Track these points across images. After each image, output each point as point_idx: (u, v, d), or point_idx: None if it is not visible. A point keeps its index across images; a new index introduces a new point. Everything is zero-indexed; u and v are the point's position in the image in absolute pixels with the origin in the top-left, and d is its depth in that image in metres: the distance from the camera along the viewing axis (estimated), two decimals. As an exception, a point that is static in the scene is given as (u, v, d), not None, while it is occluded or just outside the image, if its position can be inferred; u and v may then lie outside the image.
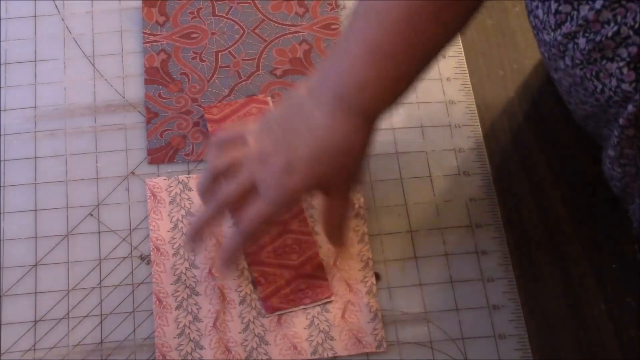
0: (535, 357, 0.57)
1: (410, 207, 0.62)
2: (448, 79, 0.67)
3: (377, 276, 0.59)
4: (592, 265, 0.61)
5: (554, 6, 0.48)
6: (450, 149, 0.64)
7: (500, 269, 0.60)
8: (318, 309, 0.58)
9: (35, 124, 0.63)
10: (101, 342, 0.57)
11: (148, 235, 0.60)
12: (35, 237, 0.60)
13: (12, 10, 0.67)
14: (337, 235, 0.57)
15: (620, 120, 0.48)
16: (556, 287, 0.60)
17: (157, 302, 0.57)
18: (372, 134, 0.52)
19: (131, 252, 0.59)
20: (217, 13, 0.68)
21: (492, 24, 0.69)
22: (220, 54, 0.66)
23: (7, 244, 0.59)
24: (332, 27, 0.68)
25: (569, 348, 0.58)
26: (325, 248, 0.60)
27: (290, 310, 0.58)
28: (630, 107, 0.47)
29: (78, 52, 0.66)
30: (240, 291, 0.58)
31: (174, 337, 0.57)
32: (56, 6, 0.68)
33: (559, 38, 0.49)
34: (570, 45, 0.48)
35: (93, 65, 0.66)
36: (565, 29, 0.48)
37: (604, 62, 0.47)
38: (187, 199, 0.61)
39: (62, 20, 0.67)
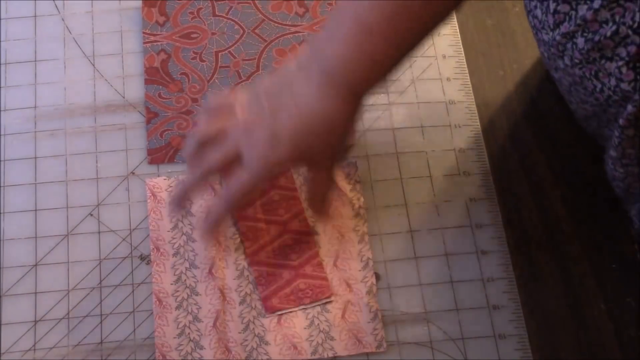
0: (535, 357, 0.57)
1: (410, 207, 0.62)
2: (448, 79, 0.67)
3: (377, 276, 0.59)
4: (592, 265, 0.61)
5: (552, 6, 0.48)
6: (450, 149, 0.64)
7: (500, 269, 0.60)
8: (318, 309, 0.58)
9: (35, 124, 0.63)
10: (101, 342, 0.57)
11: (148, 235, 0.60)
12: (35, 237, 0.60)
13: (12, 10, 0.67)
14: (319, 207, 0.58)
15: (620, 121, 0.48)
16: (556, 287, 0.60)
17: (157, 302, 0.57)
18: (357, 110, 0.53)
19: (131, 252, 0.59)
20: (217, 13, 0.68)
21: (492, 24, 0.69)
22: (220, 54, 0.66)
23: (7, 244, 0.59)
24: (332, 27, 0.68)
25: (569, 348, 0.58)
26: (325, 248, 0.60)
27: (290, 310, 0.58)
28: (629, 108, 0.47)
29: (78, 52, 0.66)
30: (240, 291, 0.58)
31: (174, 337, 0.57)
32: (56, 6, 0.68)
33: (558, 38, 0.49)
34: (569, 45, 0.48)
35: (93, 65, 0.66)
36: (563, 28, 0.48)
37: (603, 61, 0.47)
38: (187, 199, 0.60)
39: (62, 20, 0.67)
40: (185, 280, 0.58)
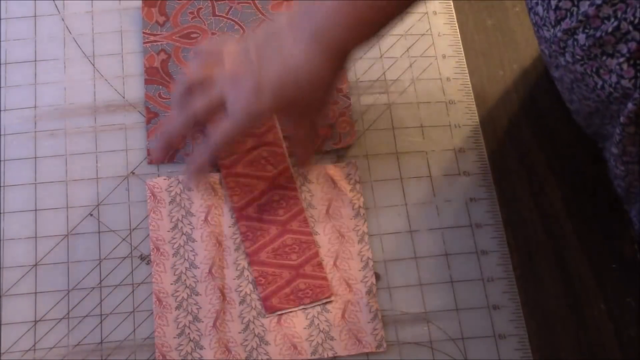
0: (535, 357, 0.57)
1: (410, 207, 0.62)
2: (448, 79, 0.67)
3: (377, 276, 0.59)
4: (592, 265, 0.61)
5: (554, 2, 0.48)
6: (450, 149, 0.64)
7: (500, 269, 0.60)
8: (318, 309, 0.58)
9: (35, 124, 0.63)
10: (101, 342, 0.57)
11: (148, 235, 0.60)
12: (35, 237, 0.60)
13: (12, 10, 0.67)
14: (302, 156, 0.61)
15: (621, 118, 0.48)
16: (556, 287, 0.60)
17: (157, 302, 0.57)
18: (340, 69, 0.55)
19: (131, 252, 0.59)
20: (217, 13, 0.68)
21: (492, 24, 0.69)
22: (220, 54, 0.66)
23: (7, 244, 0.59)
24: (332, 27, 0.68)
25: (569, 348, 0.58)
26: (325, 248, 0.60)
27: (290, 310, 0.58)
28: (630, 105, 0.47)
29: (78, 52, 0.66)
30: (240, 291, 0.58)
31: (174, 337, 0.57)
32: (56, 6, 0.68)
33: (559, 34, 0.49)
34: (570, 42, 0.49)
35: (93, 65, 0.66)
36: (565, 24, 0.48)
37: (604, 58, 0.47)
38: (187, 199, 0.61)
39: (62, 20, 0.67)
40: (185, 280, 0.58)
